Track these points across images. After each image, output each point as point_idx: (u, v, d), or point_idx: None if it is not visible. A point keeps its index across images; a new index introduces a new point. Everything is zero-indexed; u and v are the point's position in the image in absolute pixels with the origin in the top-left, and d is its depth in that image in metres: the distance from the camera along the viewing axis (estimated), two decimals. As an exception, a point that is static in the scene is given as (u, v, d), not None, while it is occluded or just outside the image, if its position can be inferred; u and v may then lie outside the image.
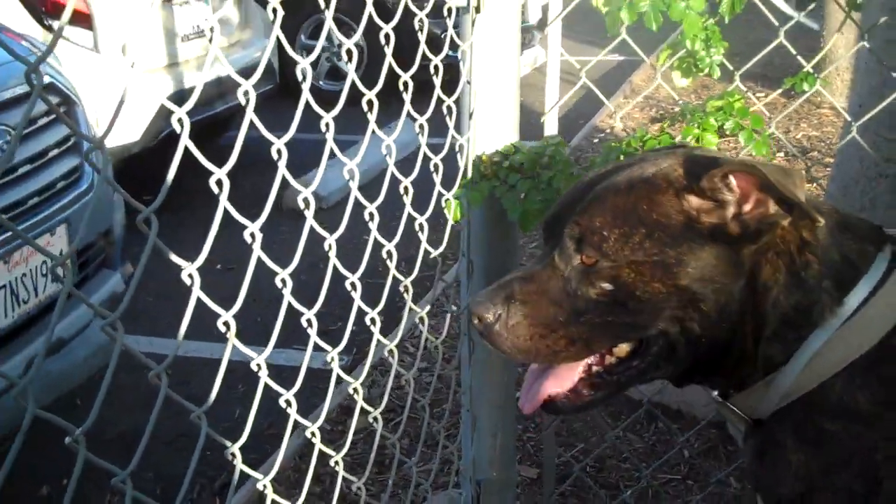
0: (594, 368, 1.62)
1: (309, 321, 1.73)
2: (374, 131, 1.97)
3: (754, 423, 1.62)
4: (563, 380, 1.62)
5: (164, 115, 6.30)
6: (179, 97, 6.44)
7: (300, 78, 1.73)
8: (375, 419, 1.98)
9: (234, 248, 1.59)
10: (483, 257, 2.35)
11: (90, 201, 3.49)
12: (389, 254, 1.96)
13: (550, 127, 2.26)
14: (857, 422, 1.47)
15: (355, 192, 1.88)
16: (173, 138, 1.40)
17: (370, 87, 1.93)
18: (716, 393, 1.68)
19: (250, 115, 1.54)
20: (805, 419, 1.52)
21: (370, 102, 1.91)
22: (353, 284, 1.83)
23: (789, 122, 8.63)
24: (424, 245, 2.11)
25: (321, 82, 9.57)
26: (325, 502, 2.73)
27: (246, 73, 1.61)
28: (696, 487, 3.77)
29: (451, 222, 2.22)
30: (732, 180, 1.50)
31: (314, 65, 9.68)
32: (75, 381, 3.37)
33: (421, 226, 2.07)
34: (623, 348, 1.59)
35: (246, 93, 1.55)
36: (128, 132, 6.14)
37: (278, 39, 1.59)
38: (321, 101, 1.78)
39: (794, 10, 2.61)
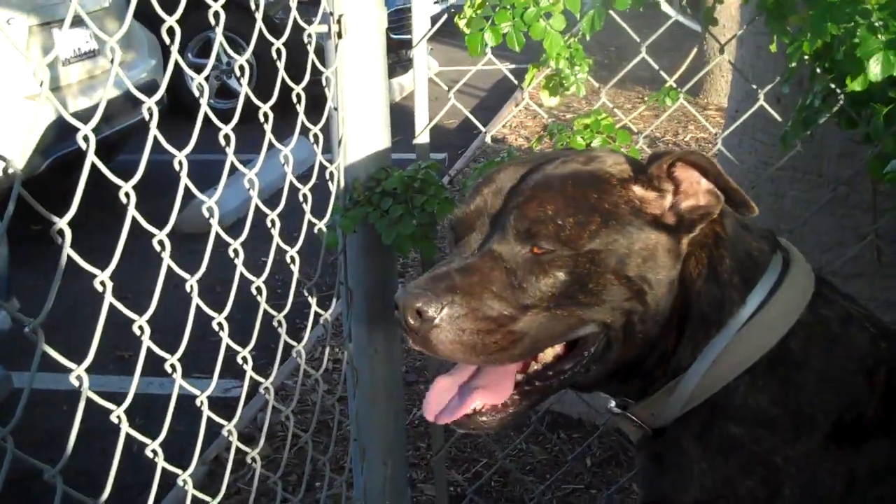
0: (531, 368, 1.51)
1: (173, 366, 1.66)
2: (269, 148, 1.96)
3: (654, 433, 1.58)
4: (496, 390, 1.50)
5: (49, 141, 6.12)
6: (62, 123, 6.25)
7: (197, 94, 1.74)
8: (254, 459, 1.91)
9: (128, 274, 1.54)
10: (362, 284, 2.31)
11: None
12: (258, 289, 1.90)
13: (423, 150, 2.23)
14: (760, 425, 1.45)
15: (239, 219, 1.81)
16: (57, 168, 1.37)
17: (257, 108, 1.92)
18: (612, 404, 1.64)
19: (154, 131, 1.51)
20: (709, 424, 1.49)
21: (265, 116, 1.90)
22: (220, 325, 1.77)
23: (678, 125, 8.78)
24: (297, 276, 2.05)
25: (212, 100, 9.44)
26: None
27: (133, 95, 1.59)
28: (599, 496, 3.78)
29: (323, 251, 2.18)
30: (674, 171, 1.48)
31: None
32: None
33: (292, 258, 2.02)
34: (554, 350, 1.51)
35: (150, 110, 1.55)
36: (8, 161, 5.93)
37: (169, 58, 1.56)
38: (211, 121, 1.79)
39: (679, 11, 2.62)
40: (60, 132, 6.19)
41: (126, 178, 1.50)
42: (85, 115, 1.45)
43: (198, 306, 1.72)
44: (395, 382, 2.42)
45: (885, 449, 1.45)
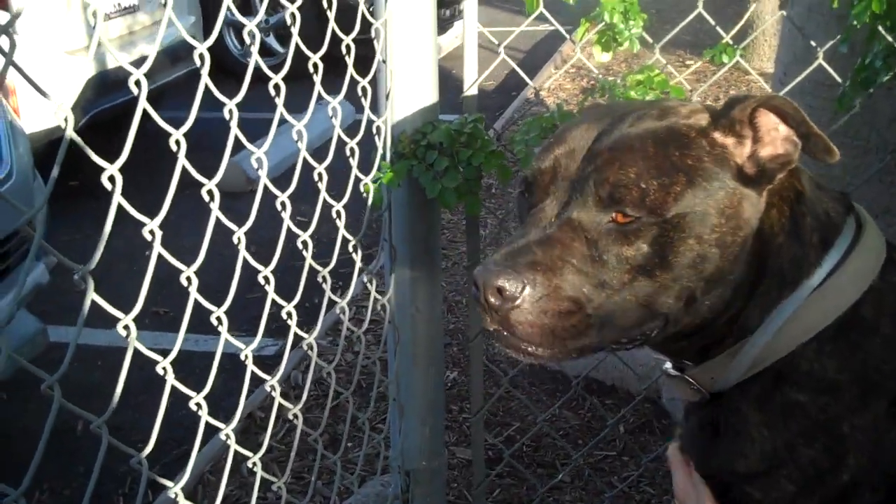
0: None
1: (219, 318, 1.64)
2: (318, 100, 1.94)
3: (711, 397, 1.50)
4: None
5: (88, 97, 6.11)
6: (102, 79, 6.24)
7: (247, 41, 1.73)
8: (295, 416, 1.89)
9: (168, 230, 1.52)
10: (406, 241, 2.27)
11: (11, 188, 3.33)
12: (305, 244, 1.87)
13: (471, 103, 2.18)
14: (825, 392, 1.39)
15: (263, 181, 1.78)
16: (97, 123, 1.35)
17: (303, 61, 1.88)
18: (668, 365, 1.57)
19: (207, 83, 1.46)
20: (773, 390, 1.42)
21: (315, 66, 1.86)
22: (266, 278, 1.74)
23: (719, 89, 8.66)
24: (342, 232, 2.02)
25: (249, 59, 9.38)
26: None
27: (172, 50, 1.55)
28: (631, 463, 3.76)
29: (370, 208, 2.14)
30: (755, 115, 1.38)
31: (241, 42, 9.48)
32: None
33: (338, 213, 1.99)
34: None
35: (201, 56, 1.54)
36: (51, 116, 5.94)
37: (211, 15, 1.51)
38: (255, 78, 1.77)
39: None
40: (100, 88, 6.18)
41: (168, 134, 1.47)
42: (125, 72, 1.42)
43: (241, 262, 1.68)
44: (435, 342, 2.39)
45: None
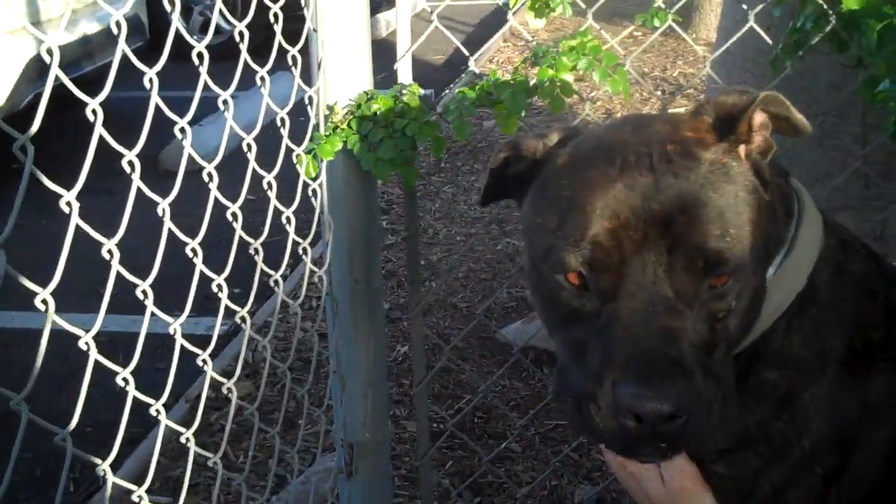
0: None
1: (144, 292, 1.61)
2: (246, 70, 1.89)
3: None
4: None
5: (29, 77, 6.00)
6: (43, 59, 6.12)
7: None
8: (230, 390, 1.87)
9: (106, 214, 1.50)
10: (342, 213, 2.25)
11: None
12: (234, 215, 1.84)
13: (405, 74, 2.17)
14: (792, 366, 1.40)
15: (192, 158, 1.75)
16: (38, 105, 1.33)
17: (254, 38, 1.86)
18: None
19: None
20: (746, 372, 1.41)
21: (241, 35, 1.83)
22: (193, 250, 1.72)
23: (666, 59, 8.69)
24: (274, 203, 2.00)
25: (195, 37, 9.26)
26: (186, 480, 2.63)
27: (113, 29, 1.52)
28: (582, 432, 3.76)
29: (302, 179, 2.12)
30: (754, 119, 1.35)
31: (187, 19, 9.37)
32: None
33: (269, 184, 1.96)
34: None
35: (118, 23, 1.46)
36: (-7, 95, 5.85)
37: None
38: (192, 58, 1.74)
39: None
40: (42, 67, 6.07)
41: (108, 115, 1.44)
42: (66, 50, 1.39)
43: (172, 236, 1.66)
44: (376, 313, 2.37)
45: (887, 371, 1.42)
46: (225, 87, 1.80)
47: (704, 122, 1.36)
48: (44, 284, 1.35)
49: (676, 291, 1.23)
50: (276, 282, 2.00)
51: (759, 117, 1.35)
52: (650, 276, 1.23)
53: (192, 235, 1.70)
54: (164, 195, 1.62)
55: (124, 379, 1.57)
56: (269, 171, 1.94)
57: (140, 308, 1.60)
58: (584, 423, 1.24)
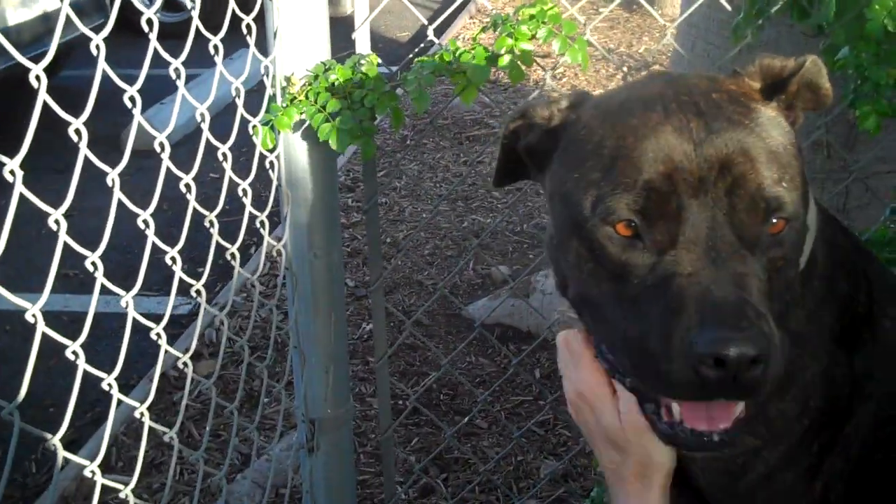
0: None
1: (94, 263, 1.58)
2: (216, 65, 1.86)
3: None
4: None
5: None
6: (3, 36, 6.01)
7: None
8: (185, 364, 1.84)
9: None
10: (301, 186, 2.22)
11: None
12: (187, 186, 1.81)
13: (363, 44, 2.13)
14: (796, 345, 1.32)
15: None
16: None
17: (212, 18, 1.81)
18: None
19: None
20: None
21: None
22: (145, 222, 1.68)
23: (632, 36, 8.68)
24: (229, 174, 1.96)
25: (159, 14, 9.15)
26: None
27: (77, 7, 1.47)
28: (547, 407, 3.77)
29: (259, 151, 2.08)
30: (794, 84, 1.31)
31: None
32: None
33: (224, 155, 1.93)
34: None
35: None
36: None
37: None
38: (159, 35, 1.71)
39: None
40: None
41: (69, 95, 1.40)
42: (25, 28, 1.35)
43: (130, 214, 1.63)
44: (336, 288, 2.35)
45: (869, 345, 1.41)
46: (189, 64, 1.77)
47: (747, 82, 1.32)
48: (16, 264, 1.32)
49: (739, 236, 1.18)
50: (232, 255, 1.97)
51: (796, 83, 1.30)
52: (710, 221, 1.17)
53: (157, 212, 1.68)
54: (130, 174, 1.59)
55: (74, 353, 1.54)
56: (231, 147, 1.91)
57: (106, 289, 1.58)
58: (657, 382, 1.17)
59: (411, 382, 4.09)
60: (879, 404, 1.40)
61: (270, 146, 2.10)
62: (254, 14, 2.00)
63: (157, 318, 1.74)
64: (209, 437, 3.70)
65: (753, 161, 1.19)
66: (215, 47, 1.87)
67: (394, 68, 2.17)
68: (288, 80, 2.11)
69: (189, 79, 1.80)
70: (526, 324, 4.41)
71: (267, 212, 2.09)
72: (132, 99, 1.64)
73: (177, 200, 1.70)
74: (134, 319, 1.67)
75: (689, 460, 1.43)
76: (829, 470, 1.40)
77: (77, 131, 1.49)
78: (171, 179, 1.79)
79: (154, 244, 1.70)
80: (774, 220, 1.19)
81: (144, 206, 1.65)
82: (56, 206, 1.42)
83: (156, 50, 1.72)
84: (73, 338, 1.50)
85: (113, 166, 1.57)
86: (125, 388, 2.61)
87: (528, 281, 4.50)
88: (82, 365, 1.55)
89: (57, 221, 1.45)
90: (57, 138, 1.42)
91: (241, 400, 3.69)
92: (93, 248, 1.54)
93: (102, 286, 1.58)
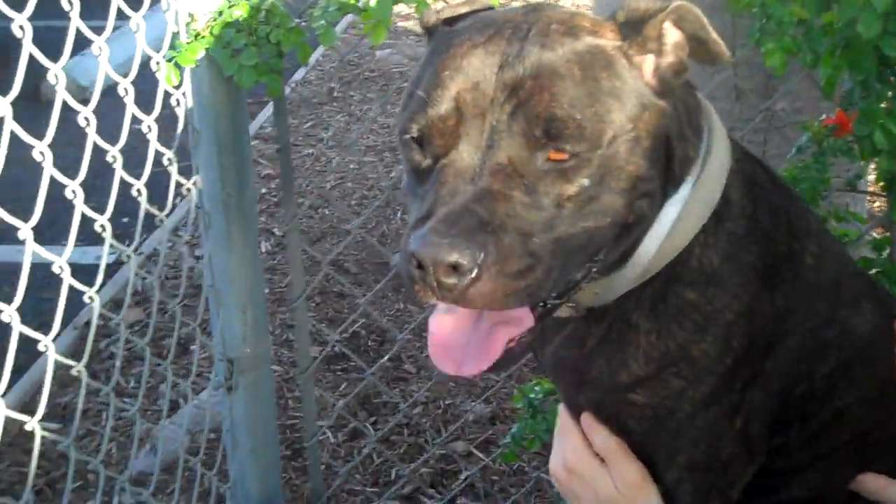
0: None
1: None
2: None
3: (587, 312, 1.42)
4: (517, 319, 1.26)
5: None
6: None
7: None
8: (118, 325, 1.84)
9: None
10: (210, 125, 2.21)
11: None
12: (114, 158, 1.80)
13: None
14: (712, 284, 1.36)
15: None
16: None
17: None
18: None
19: None
20: (664, 293, 1.37)
21: None
22: (74, 192, 1.68)
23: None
24: (132, 111, 1.95)
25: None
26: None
27: None
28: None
29: (163, 88, 2.07)
30: (667, 28, 1.28)
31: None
32: None
33: (149, 127, 1.91)
34: None
35: None
36: None
37: None
38: None
39: None
40: None
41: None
42: None
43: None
44: (250, 225, 2.35)
45: (791, 282, 1.43)
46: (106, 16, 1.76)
47: (611, 22, 1.31)
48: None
49: (509, 157, 1.19)
50: (138, 191, 1.97)
51: (673, 33, 1.29)
52: (478, 142, 1.20)
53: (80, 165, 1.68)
54: (45, 126, 1.59)
55: (10, 316, 1.54)
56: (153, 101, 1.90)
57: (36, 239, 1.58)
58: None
59: (339, 330, 4.11)
60: (802, 339, 1.43)
61: (175, 83, 2.09)
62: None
63: (82, 268, 1.75)
64: (134, 382, 3.71)
65: (542, 86, 1.20)
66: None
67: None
68: (191, 16, 2.09)
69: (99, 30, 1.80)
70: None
71: (173, 150, 2.09)
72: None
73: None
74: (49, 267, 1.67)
75: (628, 415, 1.45)
76: (749, 405, 1.42)
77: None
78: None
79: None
80: (555, 148, 1.19)
81: (69, 159, 1.66)
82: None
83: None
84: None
85: (32, 117, 1.57)
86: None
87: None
88: (17, 326, 1.55)
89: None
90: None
91: (167, 349, 3.70)
92: (15, 198, 1.54)
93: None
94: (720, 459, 1.44)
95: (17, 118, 1.54)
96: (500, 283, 1.14)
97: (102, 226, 1.82)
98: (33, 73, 1.59)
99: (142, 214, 2.05)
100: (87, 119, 1.75)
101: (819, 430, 1.51)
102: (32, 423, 1.57)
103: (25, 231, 1.58)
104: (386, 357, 3.57)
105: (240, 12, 2.07)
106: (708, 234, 1.37)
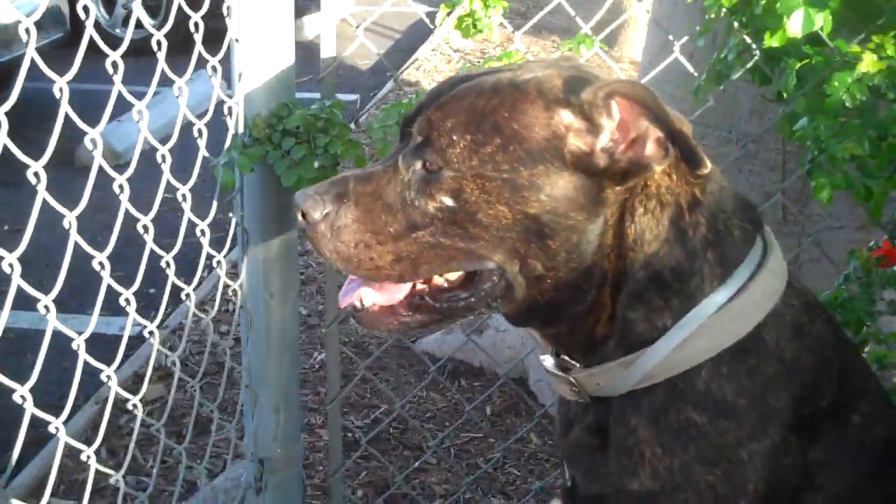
0: (419, 287, 1.43)
1: (45, 307, 1.56)
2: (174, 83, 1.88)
3: (593, 400, 1.46)
4: (387, 291, 1.44)
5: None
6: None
7: (82, 16, 1.59)
8: (135, 405, 1.82)
9: (19, 208, 1.47)
10: (259, 225, 2.22)
11: None
12: (145, 228, 1.79)
13: (329, 86, 2.14)
14: (725, 416, 1.36)
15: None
16: None
17: (168, 34, 1.83)
18: (550, 363, 1.51)
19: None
20: (667, 406, 1.38)
21: (158, 44, 1.81)
22: (101, 264, 1.67)
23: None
24: (188, 215, 1.95)
25: (117, 30, 9.08)
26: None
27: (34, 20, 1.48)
28: (497, 445, 3.78)
29: (219, 190, 2.08)
30: (615, 104, 1.31)
31: (110, 11, 9.18)
32: None
33: (184, 196, 1.91)
34: (451, 276, 1.42)
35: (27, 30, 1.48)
36: None
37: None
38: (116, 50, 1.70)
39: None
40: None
41: (24, 107, 1.39)
42: None
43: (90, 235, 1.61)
44: (290, 328, 2.34)
45: (833, 440, 1.41)
46: (146, 82, 1.77)
47: (572, 82, 1.36)
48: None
49: (401, 158, 1.40)
50: (187, 295, 1.96)
51: (631, 113, 1.31)
52: (403, 141, 1.43)
53: (111, 231, 1.67)
54: (78, 191, 1.58)
55: (22, 396, 1.51)
56: (189, 169, 1.90)
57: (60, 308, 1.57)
58: None
59: (361, 415, 4.07)
60: (837, 496, 1.40)
61: (231, 186, 2.09)
62: (220, 55, 2.00)
63: (104, 339, 1.73)
64: (152, 461, 3.66)
65: (436, 109, 1.37)
66: (180, 88, 1.87)
67: (354, 97, 2.19)
68: (252, 121, 2.10)
69: (141, 96, 1.79)
70: (478, 359, 4.41)
71: (225, 251, 2.09)
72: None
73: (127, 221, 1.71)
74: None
75: None
76: None
77: (36, 174, 1.47)
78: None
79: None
80: (421, 155, 1.36)
81: (100, 224, 1.64)
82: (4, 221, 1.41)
83: (114, 65, 1.69)
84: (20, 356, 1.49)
85: (66, 182, 1.56)
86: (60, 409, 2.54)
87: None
88: (30, 409, 1.53)
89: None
90: (6, 151, 1.40)
91: (186, 427, 3.67)
92: (42, 265, 1.53)
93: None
94: None
95: (50, 182, 1.53)
96: (334, 243, 1.38)
97: (127, 300, 1.79)
98: (69, 137, 1.59)
99: (168, 287, 2.03)
100: (121, 187, 1.73)
101: None
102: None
103: (46, 302, 1.55)
104: (416, 463, 3.52)
105: (300, 121, 2.08)
106: (721, 363, 1.37)
